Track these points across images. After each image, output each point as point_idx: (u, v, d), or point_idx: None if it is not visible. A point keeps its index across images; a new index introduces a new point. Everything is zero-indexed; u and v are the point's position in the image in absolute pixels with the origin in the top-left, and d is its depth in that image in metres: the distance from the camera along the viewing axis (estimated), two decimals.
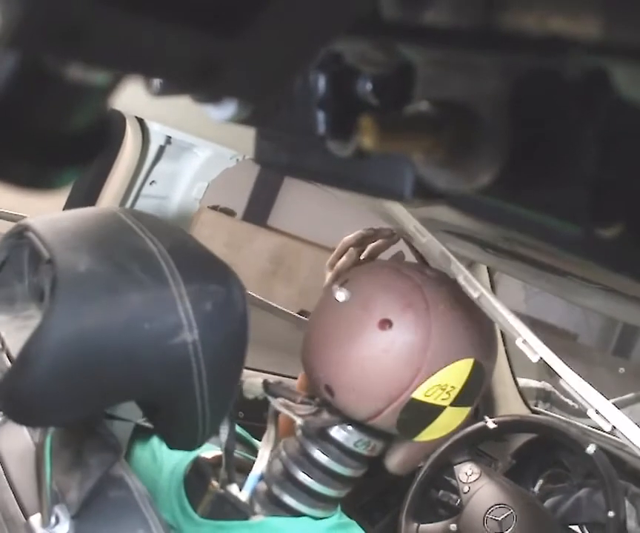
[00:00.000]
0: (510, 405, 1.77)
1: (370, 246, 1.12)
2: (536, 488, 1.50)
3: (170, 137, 1.39)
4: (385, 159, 0.42)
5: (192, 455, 1.00)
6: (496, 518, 1.32)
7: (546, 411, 1.95)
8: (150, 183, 1.42)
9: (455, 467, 1.39)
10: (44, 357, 0.71)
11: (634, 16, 0.27)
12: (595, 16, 0.28)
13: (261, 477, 0.98)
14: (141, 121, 1.35)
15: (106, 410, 0.88)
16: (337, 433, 0.96)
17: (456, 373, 0.92)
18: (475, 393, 0.98)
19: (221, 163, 1.46)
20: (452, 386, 0.92)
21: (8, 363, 0.76)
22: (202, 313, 0.76)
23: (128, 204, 1.41)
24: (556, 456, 1.49)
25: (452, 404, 0.94)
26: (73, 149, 0.27)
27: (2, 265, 0.86)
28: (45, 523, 0.76)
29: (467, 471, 1.38)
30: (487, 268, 1.68)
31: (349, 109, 0.41)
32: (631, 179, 0.33)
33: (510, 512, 1.32)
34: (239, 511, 0.95)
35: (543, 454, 1.52)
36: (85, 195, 1.46)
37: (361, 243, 1.12)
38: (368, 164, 0.43)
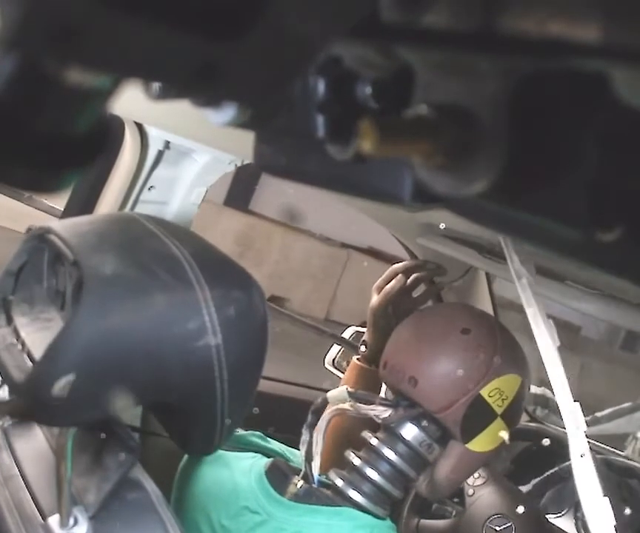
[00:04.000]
0: None
1: (414, 275, 1.33)
2: (530, 486, 1.51)
3: (168, 142, 1.39)
4: (384, 163, 0.42)
5: (264, 459, 1.12)
6: (495, 528, 1.32)
7: (541, 420, 1.95)
8: (149, 189, 1.42)
9: None
10: (70, 356, 0.72)
11: (633, 20, 0.27)
12: (595, 20, 0.28)
13: (320, 479, 1.09)
14: (139, 126, 1.35)
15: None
16: (406, 432, 1.10)
17: (511, 383, 1.09)
18: (516, 416, 1.13)
19: (220, 168, 1.46)
20: (507, 396, 1.09)
21: (29, 364, 0.76)
22: (225, 318, 0.78)
23: (127, 209, 1.41)
24: (551, 461, 1.50)
25: (501, 415, 1.09)
26: (73, 152, 0.27)
27: (22, 267, 0.86)
28: (64, 524, 0.76)
29: (474, 474, 1.38)
30: (486, 274, 1.68)
31: (348, 112, 0.41)
32: (631, 183, 0.33)
33: (509, 524, 1.32)
34: (324, 501, 1.06)
35: (539, 459, 1.53)
36: (84, 200, 1.45)
37: (409, 271, 1.34)
38: (367, 168, 0.43)
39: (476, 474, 1.37)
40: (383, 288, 1.34)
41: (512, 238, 0.82)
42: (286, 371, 1.85)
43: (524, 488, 1.53)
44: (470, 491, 1.37)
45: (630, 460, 1.57)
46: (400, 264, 1.35)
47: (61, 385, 0.71)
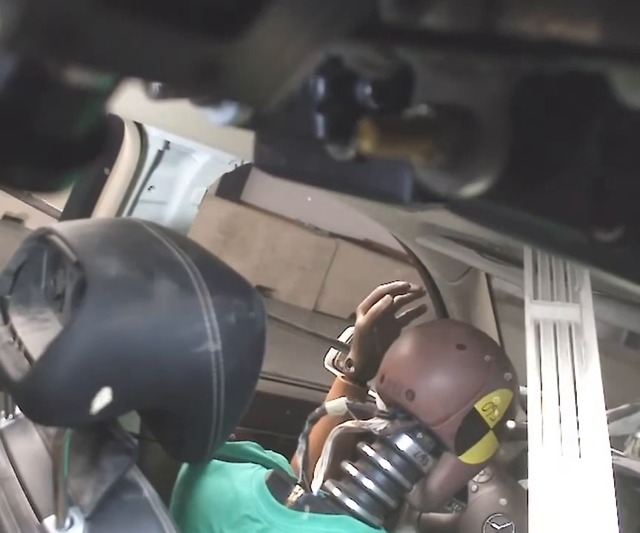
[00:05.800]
0: None
1: (398, 297, 1.40)
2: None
3: (168, 142, 1.39)
4: (384, 163, 0.42)
5: (263, 469, 1.15)
6: (495, 526, 1.32)
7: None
8: (149, 189, 1.42)
9: None
10: (71, 356, 0.71)
11: (633, 20, 0.27)
12: (595, 20, 0.28)
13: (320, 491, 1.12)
14: (139, 126, 1.35)
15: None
16: (401, 444, 1.13)
17: (503, 398, 1.14)
18: (506, 429, 1.16)
19: (219, 168, 1.46)
20: (499, 410, 1.13)
21: (27, 363, 0.76)
22: (226, 325, 0.78)
23: (127, 209, 1.41)
24: None
25: (493, 428, 1.13)
26: (73, 152, 0.27)
27: (21, 267, 0.86)
28: (60, 525, 0.75)
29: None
30: (486, 274, 1.68)
31: (348, 112, 0.41)
32: (631, 183, 0.33)
33: (509, 524, 1.32)
34: (323, 509, 1.09)
35: None
36: (84, 200, 1.45)
37: (394, 292, 1.40)
38: (367, 168, 0.43)
39: (481, 471, 1.37)
40: (369, 308, 1.39)
41: (513, 238, 0.82)
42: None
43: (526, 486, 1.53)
44: (474, 488, 1.38)
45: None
46: (385, 286, 1.42)
47: (101, 400, 0.70)
